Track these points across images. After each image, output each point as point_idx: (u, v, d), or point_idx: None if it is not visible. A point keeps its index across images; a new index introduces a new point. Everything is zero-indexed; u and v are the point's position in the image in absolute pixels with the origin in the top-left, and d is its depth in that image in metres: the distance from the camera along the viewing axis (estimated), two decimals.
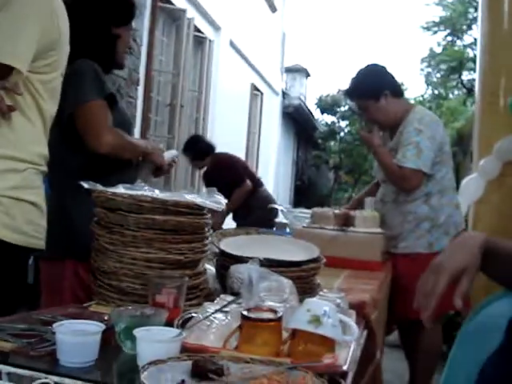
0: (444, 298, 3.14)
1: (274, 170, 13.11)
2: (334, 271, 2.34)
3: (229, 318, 1.27)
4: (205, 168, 5.37)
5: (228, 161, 5.35)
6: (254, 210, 4.99)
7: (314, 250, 1.77)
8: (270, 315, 1.20)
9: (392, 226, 3.03)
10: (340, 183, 20.33)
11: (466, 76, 14.90)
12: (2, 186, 1.54)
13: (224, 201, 1.52)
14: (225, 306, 1.30)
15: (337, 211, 2.79)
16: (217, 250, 1.75)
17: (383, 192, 3.11)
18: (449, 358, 1.41)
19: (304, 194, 16.96)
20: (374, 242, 2.61)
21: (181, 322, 1.25)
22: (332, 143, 19.41)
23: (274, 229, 3.65)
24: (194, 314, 1.28)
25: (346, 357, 1.19)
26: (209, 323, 1.24)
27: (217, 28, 7.99)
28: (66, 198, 2.04)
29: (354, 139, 18.12)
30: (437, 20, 15.55)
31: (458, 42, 15.46)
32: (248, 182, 5.09)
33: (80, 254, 1.97)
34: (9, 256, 1.58)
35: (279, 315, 1.19)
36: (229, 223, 5.07)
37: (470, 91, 14.36)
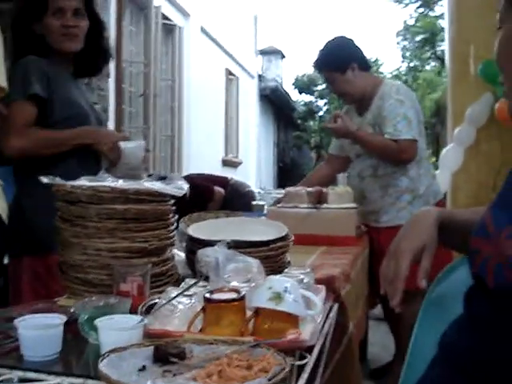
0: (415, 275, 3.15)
1: (255, 154, 13.10)
2: (308, 249, 2.35)
3: (193, 301, 1.27)
4: None
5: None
6: (231, 200, 4.97)
7: (283, 228, 1.77)
8: (233, 295, 1.20)
9: (372, 200, 3.04)
10: (322, 162, 20.34)
11: (439, 47, 14.93)
12: None
13: (186, 185, 1.52)
14: (187, 289, 1.30)
15: (309, 189, 2.79)
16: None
17: (360, 167, 3.10)
18: (415, 327, 1.43)
19: (287, 175, 16.97)
20: (348, 217, 2.62)
21: (144, 308, 1.25)
22: (311, 123, 19.41)
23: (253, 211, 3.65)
24: (157, 300, 1.28)
25: (311, 331, 1.20)
26: (172, 308, 1.24)
27: (186, 15, 7.93)
28: (20, 194, 2.04)
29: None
30: None
31: (430, 14, 15.46)
32: (217, 189, 5.03)
33: (35, 249, 1.98)
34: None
35: (241, 295, 1.19)
36: None
37: (443, 62, 14.41)
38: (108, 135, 2.23)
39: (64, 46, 2.15)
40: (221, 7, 9.73)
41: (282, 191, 3.34)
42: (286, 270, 1.51)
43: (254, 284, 1.30)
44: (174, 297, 1.26)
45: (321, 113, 19.56)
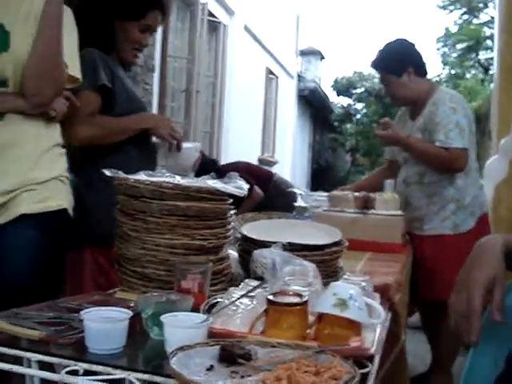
0: None
1: (290, 154, 13.08)
2: (355, 254, 2.33)
3: (254, 302, 1.27)
4: None
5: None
6: (274, 198, 4.96)
7: (337, 233, 1.76)
8: (296, 299, 1.20)
9: (417, 207, 3.01)
10: (357, 165, 20.25)
11: (483, 55, 14.69)
12: (62, 167, 1.78)
13: (246, 186, 1.52)
14: (250, 291, 1.30)
15: (356, 194, 2.77)
16: (239, 235, 1.74)
17: (406, 173, 3.07)
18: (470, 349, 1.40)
19: (321, 177, 16.92)
20: (395, 224, 2.60)
21: (207, 307, 1.25)
22: (348, 126, 19.32)
23: (294, 213, 3.64)
24: (219, 300, 1.28)
25: (372, 340, 1.19)
26: (235, 308, 1.24)
27: (231, 12, 7.94)
28: (80, 184, 2.05)
29: (370, 121, 18.00)
30: None
31: (475, 21, 15.21)
32: (256, 189, 5.03)
33: (97, 241, 1.99)
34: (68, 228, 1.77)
35: (305, 299, 1.19)
36: None
37: (487, 70, 14.16)
38: (166, 120, 2.27)
39: (129, 58, 2.25)
40: (264, 6, 9.73)
41: (323, 194, 3.32)
42: (344, 276, 1.50)
43: (314, 288, 1.29)
44: (238, 298, 1.26)
45: (358, 116, 19.43)
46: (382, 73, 3.11)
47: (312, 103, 16.00)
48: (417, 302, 3.17)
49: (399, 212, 2.69)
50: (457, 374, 3.12)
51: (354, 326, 1.18)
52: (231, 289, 1.36)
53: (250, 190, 4.91)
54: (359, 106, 19.71)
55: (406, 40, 3.13)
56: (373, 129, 3.10)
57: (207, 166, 5.24)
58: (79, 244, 2.02)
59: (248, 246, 1.67)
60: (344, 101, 20.31)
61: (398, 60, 3.02)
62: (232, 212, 1.59)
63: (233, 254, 1.77)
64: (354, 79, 19.31)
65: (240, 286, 1.40)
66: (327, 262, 1.63)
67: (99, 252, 2.01)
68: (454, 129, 2.80)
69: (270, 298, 1.19)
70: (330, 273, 1.64)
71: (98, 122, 2.05)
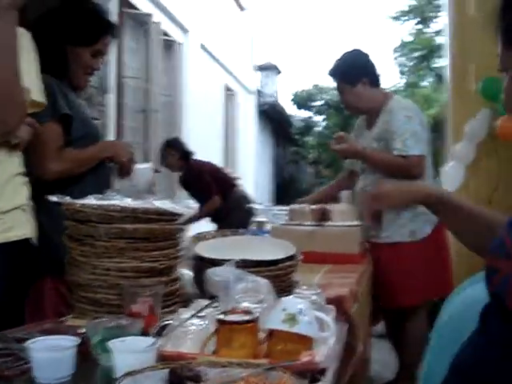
0: (428, 286, 3.14)
1: (253, 169, 13.11)
2: (314, 267, 2.34)
3: (205, 322, 1.26)
4: (178, 172, 5.40)
5: (197, 171, 5.33)
6: (232, 211, 4.98)
7: (290, 247, 1.77)
8: (246, 317, 1.19)
9: None
10: (320, 177, 20.35)
11: (437, 63, 15.00)
12: (25, 195, 1.76)
13: (195, 205, 1.51)
14: (200, 311, 1.29)
15: (313, 207, 2.78)
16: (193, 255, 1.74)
17: (364, 182, 3.10)
18: (429, 345, 1.42)
19: (285, 190, 16.97)
20: (351, 235, 2.62)
21: (157, 330, 1.24)
22: (309, 138, 19.42)
23: (253, 228, 3.64)
24: (169, 322, 1.27)
25: (324, 353, 1.19)
26: (186, 329, 1.23)
27: (185, 31, 7.96)
28: (40, 213, 2.02)
29: (331, 133, 18.13)
30: (405, 9, 15.65)
31: (427, 30, 15.55)
32: (216, 197, 5.06)
33: (58, 269, 1.95)
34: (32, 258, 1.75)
35: (255, 316, 1.19)
36: (207, 225, 5.05)
37: (441, 78, 14.46)
38: (125, 147, 2.29)
39: (82, 83, 2.25)
40: (219, 23, 9.78)
41: (283, 207, 3.33)
42: (296, 290, 1.50)
43: (265, 305, 1.29)
44: (188, 318, 1.25)
45: (319, 128, 19.57)
46: (337, 81, 3.15)
47: (272, 117, 16.07)
48: (380, 310, 3.19)
49: (356, 222, 2.71)
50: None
51: (305, 341, 1.18)
52: (181, 310, 1.35)
53: (208, 197, 4.92)
54: (319, 118, 19.86)
55: (361, 51, 3.19)
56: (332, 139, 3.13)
57: (187, 151, 5.34)
58: (40, 272, 1.98)
59: (201, 265, 1.66)
60: (304, 114, 20.44)
61: (353, 70, 3.07)
62: (182, 231, 1.58)
63: (188, 274, 1.76)
64: (313, 92, 19.46)
65: (191, 306, 1.39)
66: (281, 277, 1.64)
67: (60, 280, 1.97)
68: (411, 137, 2.85)
69: (220, 317, 1.18)
70: (284, 288, 1.64)
71: (68, 156, 2.07)
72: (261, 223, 3.54)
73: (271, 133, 16.94)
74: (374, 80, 3.09)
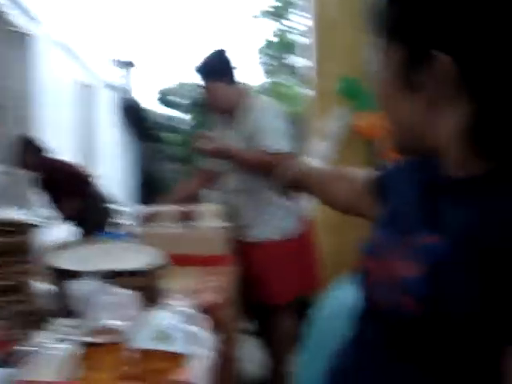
0: (299, 283, 3.15)
1: (115, 167, 12.72)
2: (181, 271, 2.23)
3: (67, 345, 1.13)
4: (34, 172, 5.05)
5: (54, 170, 5.03)
6: (90, 212, 4.74)
7: (157, 254, 1.66)
8: (113, 337, 1.08)
9: (244, 215, 3.00)
10: (185, 175, 20.22)
11: (298, 63, 15.44)
12: None
13: (47, 213, 1.36)
14: (60, 332, 1.15)
15: (179, 208, 2.68)
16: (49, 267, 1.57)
17: (231, 182, 3.05)
18: (302, 344, 1.40)
19: (149, 188, 16.65)
20: (219, 236, 2.55)
21: (11, 357, 1.09)
22: (174, 136, 19.21)
23: (113, 231, 3.48)
24: (26, 347, 1.12)
25: (198, 369, 1.11)
26: (45, 354, 1.09)
27: (37, 23, 7.50)
28: None
29: (195, 131, 18.06)
30: (267, 9, 15.93)
31: (289, 30, 15.93)
32: (74, 198, 4.80)
33: None
34: None
35: (122, 335, 1.08)
36: (63, 228, 4.76)
37: (302, 77, 14.91)
38: None
39: None
40: (74, 15, 9.35)
41: (147, 209, 3.21)
42: (166, 301, 1.40)
43: (132, 321, 1.18)
44: (47, 342, 1.11)
45: (183, 126, 19.44)
46: (202, 78, 3.07)
47: (135, 114, 15.70)
48: (249, 308, 3.17)
49: (223, 223, 2.65)
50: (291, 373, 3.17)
51: (178, 358, 1.09)
52: (40, 332, 1.20)
53: (67, 197, 4.57)
54: (183, 115, 19.74)
55: (224, 50, 3.13)
56: (195, 138, 3.03)
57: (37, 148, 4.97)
58: None
59: (59, 278, 1.50)
60: (168, 111, 20.22)
61: (216, 68, 3.00)
62: (35, 242, 1.42)
63: (46, 288, 1.59)
64: (177, 89, 19.30)
65: (50, 327, 1.25)
66: (149, 287, 1.53)
67: None
68: (277, 133, 2.83)
69: (84, 339, 1.06)
70: (153, 297, 1.53)
71: None
72: (121, 225, 3.40)
73: (133, 130, 16.54)
74: (236, 79, 3.05)
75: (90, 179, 5.19)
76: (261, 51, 16.98)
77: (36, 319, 1.37)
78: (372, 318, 0.98)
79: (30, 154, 4.95)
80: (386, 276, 0.93)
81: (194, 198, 3.18)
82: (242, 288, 2.78)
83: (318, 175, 1.53)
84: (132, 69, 17.04)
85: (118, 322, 1.16)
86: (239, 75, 3.11)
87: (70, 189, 4.82)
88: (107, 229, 4.04)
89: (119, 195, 12.36)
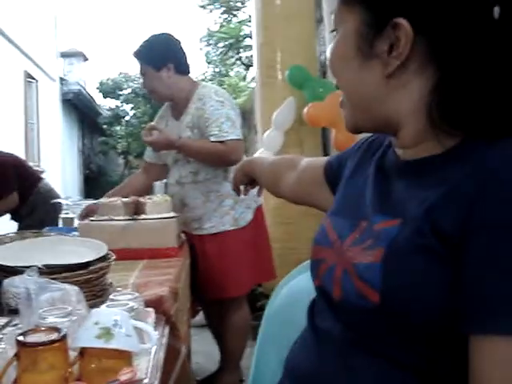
0: (252, 275, 3.12)
1: (60, 161, 12.43)
2: (128, 265, 2.18)
3: (3, 345, 1.06)
4: None
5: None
6: (37, 208, 4.59)
7: (101, 246, 1.60)
8: (52, 335, 1.01)
9: (194, 207, 2.94)
10: (131, 168, 19.98)
11: (243, 53, 15.37)
12: None
13: None
14: None
15: (125, 199, 2.60)
16: None
17: (179, 174, 2.98)
18: (258, 335, 1.37)
19: (94, 182, 16.40)
20: (168, 228, 2.49)
21: None
22: (118, 128, 18.94)
23: (60, 225, 3.37)
24: None
25: (146, 366, 1.06)
26: None
27: None
28: None
29: (139, 122, 17.86)
30: None
31: (234, 20, 15.82)
32: (14, 194, 4.61)
33: None
34: None
35: (62, 334, 1.01)
36: (8, 226, 4.60)
37: (248, 67, 14.86)
38: None
39: None
40: (18, 6, 9.05)
41: (93, 202, 3.12)
42: (110, 296, 1.34)
43: (75, 318, 1.12)
44: None
45: (127, 117, 19.16)
46: (141, 63, 2.97)
47: (78, 107, 15.39)
48: (199, 301, 3.12)
49: (172, 214, 2.59)
50: (245, 366, 3.15)
51: (124, 356, 1.03)
52: None
53: (6, 192, 4.42)
54: (127, 107, 19.45)
55: (171, 35, 3.03)
56: (143, 130, 2.95)
57: None
58: None
59: None
60: (111, 103, 19.90)
61: (159, 53, 2.91)
62: None
63: None
64: (119, 80, 19.00)
65: None
66: (93, 281, 1.46)
67: None
68: (226, 121, 2.77)
69: (20, 338, 0.99)
70: (97, 292, 1.47)
71: None
72: (68, 220, 3.30)
73: (77, 123, 16.23)
74: (181, 67, 2.96)
75: (38, 176, 5.02)
76: (202, 40, 16.80)
77: None
78: (328, 307, 0.95)
79: None
80: (340, 264, 0.90)
81: (143, 191, 3.11)
82: (192, 281, 2.74)
83: (268, 165, 1.50)
84: (79, 60, 16.69)
85: (59, 319, 1.10)
86: (188, 64, 3.04)
87: (12, 185, 4.64)
88: (54, 223, 3.92)
89: (67, 189, 12.09)
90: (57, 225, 3.98)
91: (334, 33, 0.93)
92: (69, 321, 1.11)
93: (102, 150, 19.57)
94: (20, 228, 4.54)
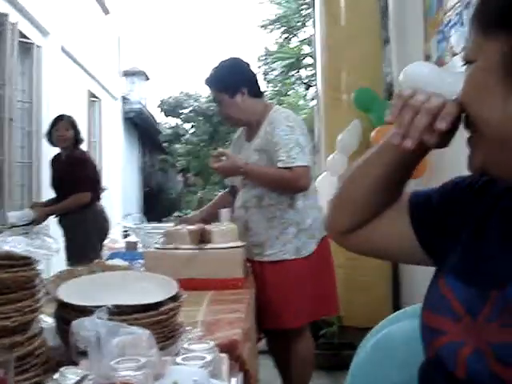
0: (313, 306, 3.02)
1: (120, 179, 12.62)
2: (194, 296, 2.10)
3: None
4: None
5: (84, 157, 5.00)
6: (86, 221, 4.62)
7: (172, 284, 1.53)
8: None
9: (257, 232, 2.88)
10: (189, 186, 20.15)
11: (303, 72, 15.32)
12: None
13: (56, 246, 1.23)
14: None
15: (190, 227, 2.55)
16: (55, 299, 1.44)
17: (244, 198, 2.94)
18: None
19: (153, 199, 16.59)
20: (235, 257, 2.42)
21: None
22: (178, 146, 19.15)
23: (124, 250, 3.35)
24: None
25: None
26: None
27: (45, 33, 7.42)
28: None
29: (199, 141, 18.02)
30: (272, 18, 15.78)
31: (294, 39, 15.80)
32: (87, 194, 4.68)
33: None
34: None
35: None
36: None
37: (308, 87, 14.79)
38: None
39: None
40: (82, 26, 9.28)
41: (157, 225, 3.09)
42: (185, 345, 1.26)
43: (149, 370, 1.04)
44: None
45: (187, 136, 19.36)
46: (214, 91, 2.95)
47: (139, 125, 15.65)
48: (262, 329, 3.04)
49: (239, 243, 2.52)
50: None
51: None
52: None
53: (83, 188, 4.47)
54: (187, 125, 19.66)
55: (240, 59, 3.01)
56: (202, 148, 2.93)
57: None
58: None
59: (66, 312, 1.37)
60: (172, 121, 20.17)
61: (232, 80, 2.89)
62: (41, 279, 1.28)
63: (48, 322, 1.46)
64: (180, 99, 19.24)
65: (55, 377, 1.11)
66: (163, 322, 1.39)
67: None
68: (295, 147, 2.71)
69: None
70: (167, 334, 1.40)
71: None
72: (132, 244, 3.27)
73: (138, 141, 16.50)
74: (253, 90, 2.93)
75: (101, 188, 5.14)
76: (260, 59, 16.79)
77: (42, 360, 1.23)
78: (443, 379, 0.83)
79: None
80: (471, 343, 0.77)
81: (215, 218, 3.05)
82: (256, 311, 2.65)
83: None
84: (141, 79, 17.01)
85: (134, 373, 1.03)
86: (259, 86, 3.00)
87: (91, 184, 4.74)
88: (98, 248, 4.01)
89: (126, 206, 12.24)
90: (101, 248, 4.05)
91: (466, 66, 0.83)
92: (142, 374, 1.03)
93: (162, 167, 19.83)
94: (65, 235, 4.59)
